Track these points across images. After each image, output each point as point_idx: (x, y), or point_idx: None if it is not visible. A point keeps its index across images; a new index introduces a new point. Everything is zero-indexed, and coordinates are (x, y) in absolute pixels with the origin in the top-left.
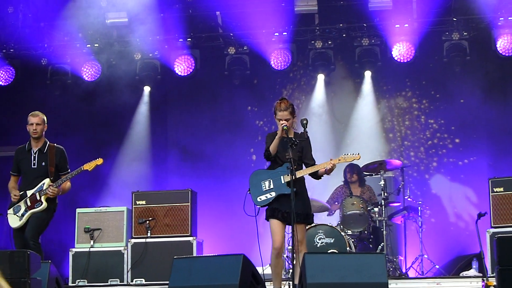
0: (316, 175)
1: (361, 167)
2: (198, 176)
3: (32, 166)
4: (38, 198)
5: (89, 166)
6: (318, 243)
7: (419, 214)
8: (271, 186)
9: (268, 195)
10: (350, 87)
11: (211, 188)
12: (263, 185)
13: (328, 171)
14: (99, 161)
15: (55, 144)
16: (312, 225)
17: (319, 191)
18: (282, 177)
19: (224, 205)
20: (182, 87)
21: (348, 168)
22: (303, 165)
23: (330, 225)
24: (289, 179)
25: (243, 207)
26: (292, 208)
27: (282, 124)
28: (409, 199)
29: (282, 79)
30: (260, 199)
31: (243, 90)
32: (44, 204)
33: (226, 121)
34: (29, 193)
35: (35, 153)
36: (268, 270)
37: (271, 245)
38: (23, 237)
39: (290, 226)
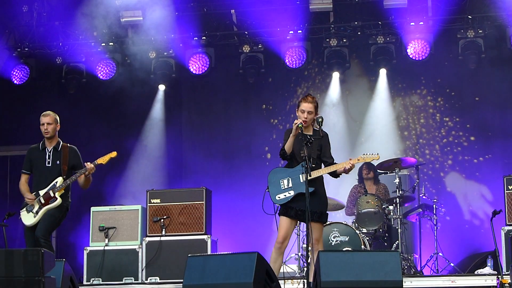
0: (334, 174)
1: (375, 165)
2: (213, 174)
3: (47, 165)
4: (52, 195)
5: (103, 160)
6: (332, 241)
7: (434, 212)
8: (290, 185)
9: (287, 194)
10: (365, 85)
11: (226, 187)
12: (282, 183)
13: (347, 171)
14: (113, 154)
15: (68, 144)
16: (327, 223)
17: (333, 188)
18: (300, 175)
19: (239, 203)
20: (197, 85)
21: (365, 165)
22: (322, 164)
23: (345, 223)
24: (309, 178)
25: (262, 206)
26: (307, 206)
27: (297, 122)
28: (424, 197)
29: (297, 77)
30: (279, 197)
31: (257, 89)
32: (59, 200)
33: (240, 119)
34: (41, 192)
35: (50, 152)
36: (285, 269)
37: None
38: (34, 235)
39: (306, 224)
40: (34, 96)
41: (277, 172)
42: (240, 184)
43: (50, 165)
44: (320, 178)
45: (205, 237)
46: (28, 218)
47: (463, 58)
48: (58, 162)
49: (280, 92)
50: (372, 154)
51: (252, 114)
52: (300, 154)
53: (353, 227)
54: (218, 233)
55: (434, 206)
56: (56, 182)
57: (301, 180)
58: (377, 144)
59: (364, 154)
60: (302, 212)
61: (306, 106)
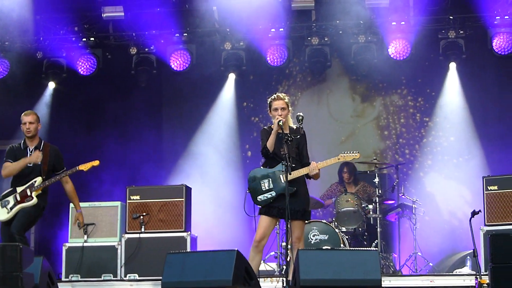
0: (307, 175)
1: (354, 164)
2: (193, 172)
3: (28, 164)
4: (29, 193)
5: (84, 167)
6: (312, 239)
7: (413, 212)
8: (271, 186)
9: (268, 195)
10: (346, 84)
11: (206, 184)
12: (263, 184)
13: (315, 176)
14: (95, 162)
15: (49, 144)
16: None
17: (313, 187)
18: (281, 176)
19: (219, 201)
20: (177, 82)
21: (346, 168)
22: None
23: (325, 221)
24: (289, 178)
25: (244, 207)
26: (287, 205)
27: (278, 119)
28: (403, 196)
29: (278, 75)
30: (260, 199)
31: (239, 86)
32: (34, 200)
33: (221, 117)
34: (19, 189)
35: (31, 151)
36: (265, 267)
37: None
38: (9, 231)
39: (287, 223)
40: (14, 90)
41: (257, 173)
42: (220, 181)
43: (31, 164)
44: (302, 177)
45: (184, 234)
46: (1, 213)
47: (444, 58)
48: (39, 161)
49: (261, 90)
50: (353, 152)
51: (232, 112)
52: (280, 152)
53: (333, 226)
54: (198, 230)
55: (413, 206)
56: (35, 181)
57: (282, 181)
58: (357, 144)
59: (343, 153)
60: (284, 210)
61: (277, 103)
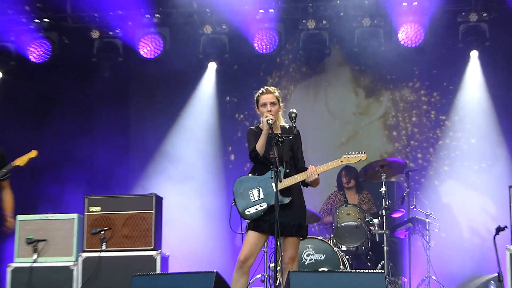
0: (303, 183)
1: (358, 170)
2: (164, 179)
3: None
4: None
5: (21, 161)
6: (306, 260)
7: (427, 228)
8: (261, 196)
9: (258, 207)
10: (348, 76)
11: (180, 193)
12: (251, 195)
13: (314, 183)
14: (32, 153)
15: None
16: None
17: (308, 197)
18: (273, 184)
19: (196, 213)
20: (147, 72)
21: (344, 171)
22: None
23: (321, 238)
24: (282, 186)
25: (229, 223)
26: (276, 218)
27: (267, 116)
28: (415, 209)
29: (267, 64)
30: (249, 212)
31: (220, 77)
32: None
33: (198, 113)
34: None
35: None
36: None
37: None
38: None
39: (280, 239)
40: None
41: (245, 181)
42: (198, 190)
43: None
44: (297, 185)
45: (154, 253)
46: None
47: (463, 45)
48: None
49: (247, 82)
50: (358, 153)
51: (213, 108)
52: (270, 156)
53: (331, 244)
54: (170, 248)
55: (427, 220)
56: None
57: (275, 189)
58: (361, 146)
59: (347, 154)
60: (279, 225)
61: (266, 98)
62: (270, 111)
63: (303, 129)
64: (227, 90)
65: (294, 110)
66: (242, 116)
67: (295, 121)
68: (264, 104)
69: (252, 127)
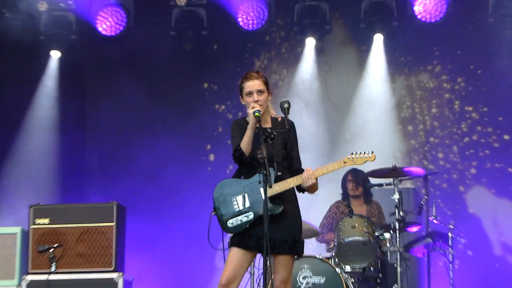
0: (298, 188)
1: (368, 175)
2: (127, 185)
3: None
4: None
5: None
6: (302, 283)
7: (450, 244)
8: (247, 204)
9: (243, 218)
10: (353, 58)
11: (147, 202)
12: (235, 203)
13: (311, 188)
14: None
15: None
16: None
17: (305, 206)
18: (262, 189)
19: (167, 226)
20: (107, 52)
21: (350, 175)
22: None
23: (321, 257)
24: (273, 193)
25: (208, 237)
26: (265, 232)
27: (254, 107)
28: (435, 221)
29: (254, 44)
30: (232, 224)
31: (197, 59)
32: None
33: (170, 103)
34: None
35: None
36: None
37: None
38: None
39: (270, 258)
40: None
41: (227, 186)
42: (168, 198)
43: None
44: (291, 191)
45: (114, 275)
46: None
47: (494, 20)
48: None
49: (229, 66)
50: (365, 153)
51: (188, 96)
52: (258, 156)
53: (332, 264)
54: (135, 270)
55: (449, 234)
56: None
57: (263, 196)
58: (369, 144)
59: (352, 154)
60: (269, 240)
61: (251, 84)
62: (257, 101)
63: (298, 122)
64: (206, 75)
65: (287, 100)
66: (223, 107)
67: (288, 113)
68: (250, 93)
69: (237, 119)
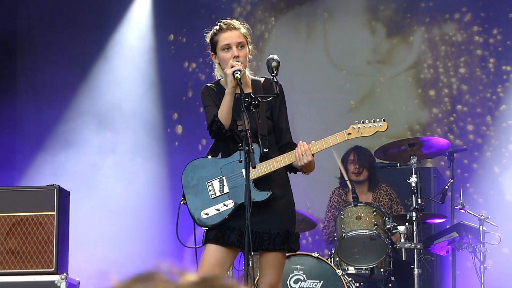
0: (289, 167)
1: (374, 152)
2: (72, 163)
3: None
4: None
5: None
6: (294, 287)
7: (481, 239)
8: (225, 190)
9: (221, 207)
10: (359, 2)
11: (98, 186)
12: (210, 188)
13: (306, 168)
14: None
15: None
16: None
17: (297, 189)
18: (244, 170)
19: (124, 217)
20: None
21: (353, 154)
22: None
23: (317, 255)
24: (258, 175)
25: (176, 231)
26: (247, 224)
27: (233, 68)
28: (462, 210)
29: None
30: (207, 214)
31: (161, 5)
32: None
33: (127, 61)
34: None
35: None
36: None
37: None
38: None
39: (254, 255)
40: None
41: (200, 167)
42: (124, 181)
43: None
44: (282, 173)
45: (56, 278)
46: None
47: None
48: None
49: (201, 13)
50: (374, 122)
51: (148, 52)
52: (238, 128)
53: (331, 264)
54: (81, 270)
55: (481, 228)
56: None
57: (246, 179)
58: (379, 113)
59: (358, 124)
60: (252, 234)
61: (229, 35)
62: (238, 56)
63: (290, 86)
64: (171, 25)
65: (275, 57)
66: (194, 65)
67: (276, 73)
68: (227, 47)
69: (209, 84)
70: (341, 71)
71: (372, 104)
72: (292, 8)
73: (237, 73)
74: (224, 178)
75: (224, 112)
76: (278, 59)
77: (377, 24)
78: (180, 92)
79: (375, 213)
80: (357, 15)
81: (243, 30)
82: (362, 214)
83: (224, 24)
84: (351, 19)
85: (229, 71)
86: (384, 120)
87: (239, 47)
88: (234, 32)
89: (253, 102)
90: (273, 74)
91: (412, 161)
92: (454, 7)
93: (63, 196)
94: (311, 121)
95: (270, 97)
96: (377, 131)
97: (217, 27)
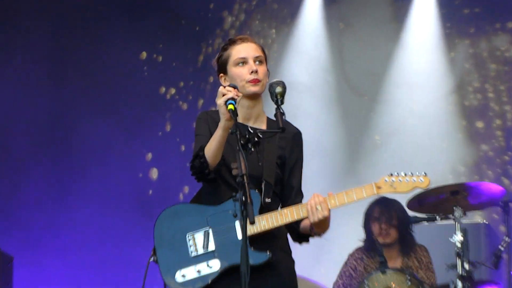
0: (297, 233)
1: (407, 203)
2: (20, 222)
3: None
4: None
5: None
6: None
7: None
8: (210, 247)
9: (203, 269)
10: (384, 11)
11: (50, 247)
12: (191, 243)
13: (319, 227)
14: None
15: None
16: None
17: (308, 256)
18: (237, 223)
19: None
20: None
21: (377, 209)
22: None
23: None
24: (256, 231)
25: None
26: None
27: (226, 96)
28: None
29: None
30: (183, 278)
31: (132, 15)
32: None
33: (96, 87)
34: None
35: None
36: None
37: None
38: None
39: None
40: None
41: (180, 215)
42: (88, 237)
43: None
44: (283, 231)
45: None
46: None
47: None
48: None
49: (183, 23)
50: (412, 175)
51: (115, 74)
52: (232, 171)
53: None
54: None
55: None
56: None
57: (238, 236)
58: (411, 151)
59: (392, 176)
60: None
61: (245, 48)
62: (256, 72)
63: (297, 116)
64: (144, 40)
65: (281, 81)
66: (173, 90)
67: (282, 101)
68: (242, 61)
69: (208, 111)
70: (361, 97)
71: (402, 139)
72: (298, 17)
73: (231, 102)
74: (210, 231)
75: (212, 149)
76: (284, 83)
77: (406, 37)
78: (155, 126)
79: (409, 281)
80: (382, 24)
81: (260, 46)
82: (393, 284)
83: (237, 38)
84: (373, 31)
85: (220, 101)
86: (425, 174)
87: (257, 62)
88: (250, 45)
89: (253, 139)
90: (278, 103)
91: (456, 214)
92: (507, 14)
93: (6, 262)
94: (325, 161)
95: (274, 132)
96: (416, 187)
97: (228, 42)
